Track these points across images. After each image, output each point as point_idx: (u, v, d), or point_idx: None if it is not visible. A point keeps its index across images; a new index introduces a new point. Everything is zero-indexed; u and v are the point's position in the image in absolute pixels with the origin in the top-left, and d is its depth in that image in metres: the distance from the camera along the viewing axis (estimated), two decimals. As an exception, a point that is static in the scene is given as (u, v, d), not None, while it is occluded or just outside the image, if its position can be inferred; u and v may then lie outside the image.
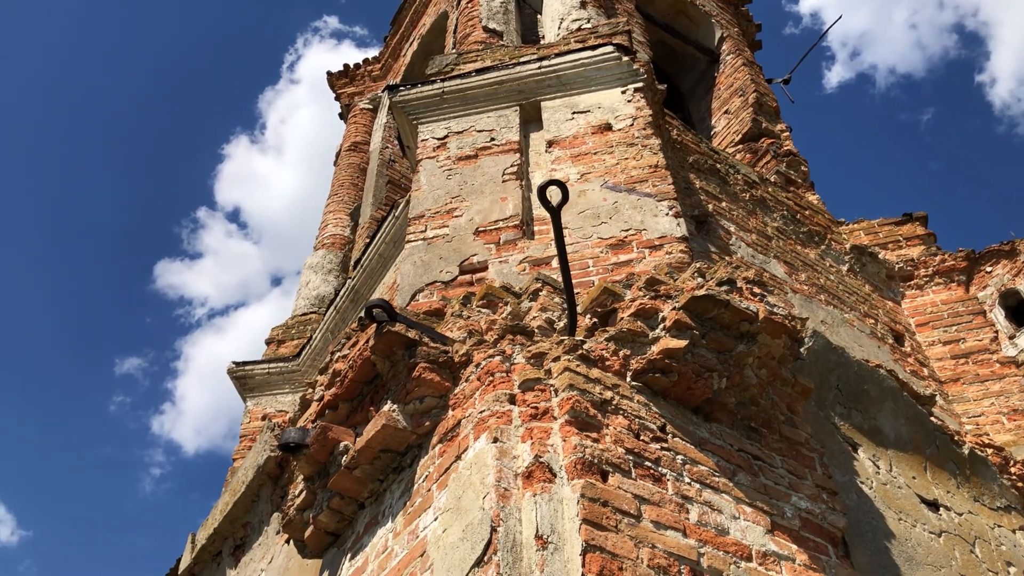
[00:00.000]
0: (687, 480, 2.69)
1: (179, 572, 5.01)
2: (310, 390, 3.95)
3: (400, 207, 6.55)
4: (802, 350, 3.61)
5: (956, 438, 4.04)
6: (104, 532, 29.92)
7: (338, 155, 10.61)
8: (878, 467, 3.59)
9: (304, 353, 7.39)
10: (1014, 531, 3.90)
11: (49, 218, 32.10)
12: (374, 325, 3.07)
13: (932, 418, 4.00)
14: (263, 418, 7.14)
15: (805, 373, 3.53)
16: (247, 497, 4.46)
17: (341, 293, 7.11)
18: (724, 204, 5.95)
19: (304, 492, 3.28)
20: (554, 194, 3.12)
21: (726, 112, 9.38)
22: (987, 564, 3.58)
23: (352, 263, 8.22)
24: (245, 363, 7.45)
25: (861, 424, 3.71)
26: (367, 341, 3.09)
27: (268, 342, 8.00)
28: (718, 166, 6.26)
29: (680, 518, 2.55)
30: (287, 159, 35.81)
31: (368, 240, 8.41)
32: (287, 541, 4.00)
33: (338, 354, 3.31)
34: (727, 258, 5.18)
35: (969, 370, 6.23)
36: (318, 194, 33.24)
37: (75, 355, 31.99)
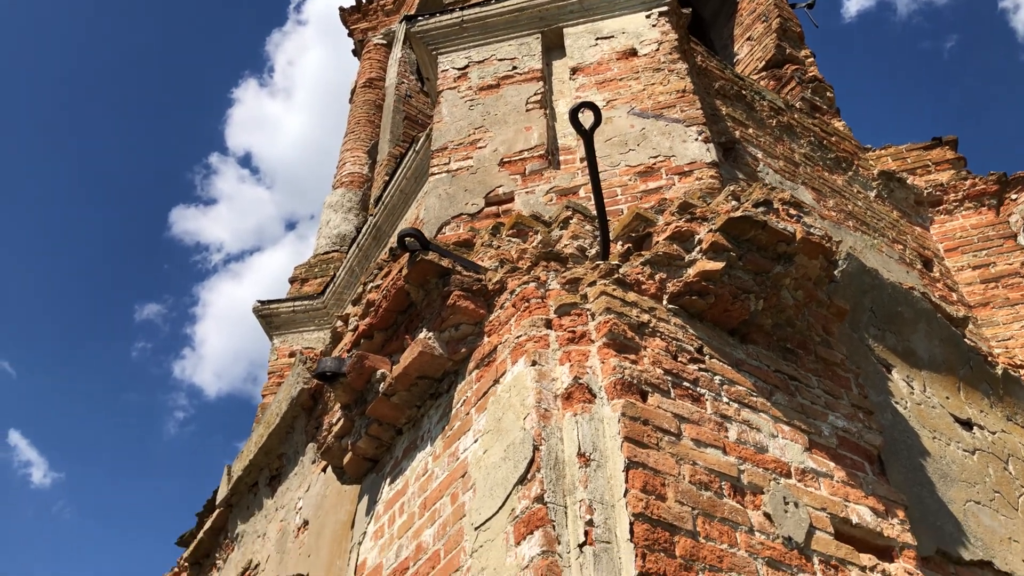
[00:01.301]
0: (725, 400, 2.70)
1: (216, 503, 5.13)
2: (340, 323, 3.97)
3: (420, 142, 6.49)
4: (836, 272, 3.58)
5: (989, 359, 4.02)
6: (132, 474, 30.66)
7: (353, 92, 10.49)
8: (912, 387, 3.59)
9: (328, 291, 7.42)
10: (1046, 449, 3.91)
11: (63, 167, 32.14)
12: (407, 254, 3.06)
13: (966, 339, 3.97)
14: (290, 355, 7.21)
15: (840, 295, 3.51)
16: (281, 429, 4.53)
17: (363, 231, 7.10)
18: (751, 131, 5.85)
19: (342, 420, 3.32)
20: (586, 117, 3.07)
21: (749, 39, 9.15)
22: (1020, 480, 3.59)
23: (372, 200, 8.19)
24: (270, 302, 7.49)
25: (895, 346, 3.70)
26: (400, 271, 3.09)
27: (292, 281, 8.03)
28: (744, 92, 6.14)
29: (720, 436, 2.56)
30: (296, 102, 35.48)
31: (387, 177, 8.36)
32: (323, 470, 4.08)
33: (371, 284, 3.31)
34: (755, 184, 5.11)
35: (999, 294, 6.18)
36: (329, 136, 33.02)
37: (96, 303, 32.36)
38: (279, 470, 4.66)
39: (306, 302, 7.41)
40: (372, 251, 6.95)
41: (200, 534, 5.23)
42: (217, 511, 5.03)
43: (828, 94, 7.94)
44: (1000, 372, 3.99)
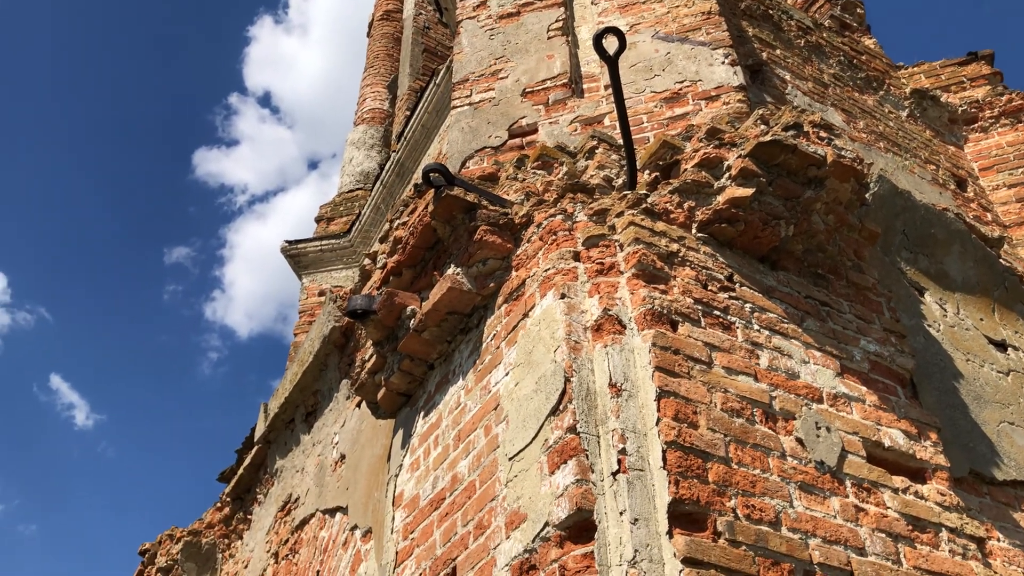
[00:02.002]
0: (756, 327, 2.69)
1: (254, 440, 5.26)
2: (368, 261, 3.99)
3: (441, 74, 6.40)
4: (868, 195, 3.51)
5: (1025, 279, 3.96)
6: (170, 414, 31.50)
7: (370, 26, 10.33)
8: (945, 310, 3.55)
9: (354, 229, 7.45)
10: (1082, 369, 3.87)
11: (84, 114, 32.20)
12: (432, 190, 3.05)
13: (1001, 260, 3.91)
14: (320, 294, 7.29)
15: (871, 218, 3.45)
16: (315, 367, 4.61)
17: (386, 167, 7.08)
18: (778, 52, 5.69)
19: (374, 356, 3.36)
20: (610, 43, 3.00)
21: (775, -46, 8.83)
22: (1054, 401, 3.57)
23: (395, 136, 8.13)
24: (298, 242, 7.54)
25: (928, 268, 3.65)
26: (426, 207, 3.08)
27: (317, 220, 8.06)
28: (771, 12, 5.95)
29: (751, 363, 2.56)
30: (313, 38, 35.01)
31: (409, 112, 8.28)
32: (358, 405, 4.15)
33: (397, 222, 3.31)
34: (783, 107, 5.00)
35: (1035, 213, 6.04)
36: (347, 72, 32.62)
37: (126, 247, 32.78)
38: (314, 406, 4.75)
39: (333, 241, 7.46)
40: (396, 188, 6.94)
41: (240, 470, 5.38)
42: (256, 448, 5.16)
43: (858, 10, 7.68)
44: (1036, 292, 3.93)
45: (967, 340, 3.50)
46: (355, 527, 3.63)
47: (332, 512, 4.00)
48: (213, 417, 31.54)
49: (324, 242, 7.49)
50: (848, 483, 2.46)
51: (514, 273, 2.93)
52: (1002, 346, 3.64)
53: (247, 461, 5.29)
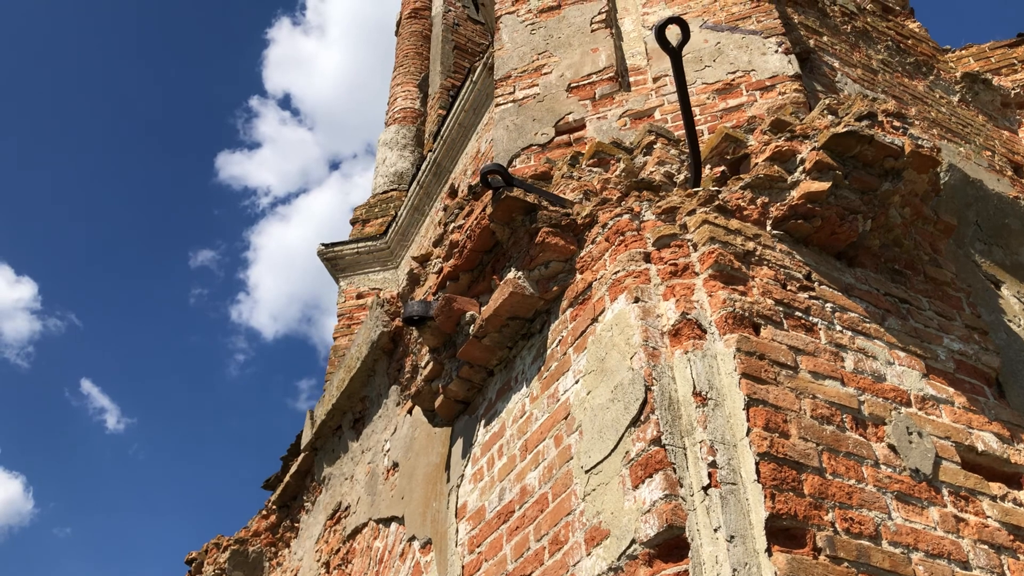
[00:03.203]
0: (838, 328, 2.56)
1: (301, 447, 5.20)
2: (417, 265, 3.90)
3: (478, 71, 6.30)
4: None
5: (1101, 269, 3.79)
6: (199, 415, 31.75)
7: (398, 24, 10.24)
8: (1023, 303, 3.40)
9: (391, 231, 7.38)
10: None
11: (109, 120, 32.47)
12: (489, 192, 2.95)
13: (1077, 249, 3.74)
14: (358, 296, 7.23)
15: (943, 209, 3.30)
16: (363, 372, 4.53)
17: (422, 168, 6.99)
18: (826, 38, 5.52)
19: (431, 363, 3.27)
20: (672, 33, 2.88)
21: (811, -61, 8.63)
22: None
23: (429, 136, 8.04)
24: (334, 245, 7.48)
25: (1003, 260, 3.49)
26: (484, 209, 2.98)
27: (353, 222, 8.00)
28: (816, -3, 5.78)
29: (836, 367, 2.44)
30: (330, 38, 35.04)
31: (443, 111, 8.19)
32: (409, 411, 4.06)
33: (452, 225, 3.21)
34: (835, 97, 4.85)
35: (1095, 198, 5.83)
36: (367, 72, 32.61)
37: (152, 251, 33.06)
38: (362, 413, 4.67)
39: (369, 243, 7.39)
40: (433, 188, 6.86)
41: (287, 478, 5.32)
42: (303, 455, 5.10)
43: (901, -7, 7.48)
44: (1114, 281, 3.76)
45: (1048, 335, 3.34)
46: (413, 538, 3.55)
47: (387, 522, 3.92)
48: (240, 417, 31.75)
49: (360, 244, 7.42)
50: (945, 491, 2.33)
51: (579, 276, 2.82)
52: (1083, 340, 3.48)
53: (293, 468, 5.23)
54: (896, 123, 2.94)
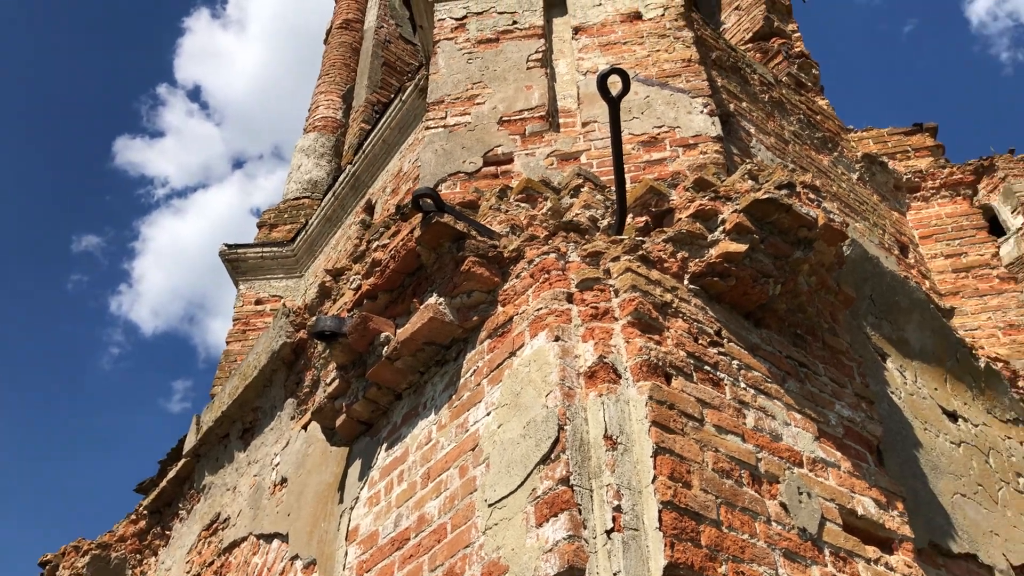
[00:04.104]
0: (743, 385, 2.66)
1: (183, 452, 4.99)
2: (330, 279, 3.84)
3: (408, 91, 6.29)
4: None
5: (974, 351, 4.08)
6: (66, 406, 30.00)
7: (328, 33, 10.13)
8: (905, 377, 3.62)
9: (299, 238, 7.23)
10: (1022, 443, 4.00)
11: (3, 85, 30.69)
12: (420, 215, 2.94)
13: (954, 332, 4.02)
14: (257, 302, 7.03)
15: (844, 282, 3.49)
16: (259, 382, 4.40)
17: (340, 179, 6.90)
18: (745, 105, 5.79)
19: (337, 381, 3.21)
20: (612, 83, 2.96)
21: (737, 8, 9.06)
22: (999, 474, 3.67)
23: (349, 148, 7.95)
24: (238, 246, 7.28)
25: (890, 335, 3.71)
26: (412, 231, 2.97)
27: (260, 225, 7.80)
28: (739, 65, 6.07)
29: (739, 423, 2.53)
30: (250, 35, 34.31)
31: (366, 125, 8.12)
32: (304, 427, 3.97)
33: (376, 243, 3.18)
34: (749, 161, 5.07)
35: (969, 284, 6.29)
36: (282, 73, 32.04)
37: (31, 230, 31.25)
38: (253, 423, 4.53)
39: (275, 248, 7.22)
40: (349, 201, 6.77)
41: (163, 483, 5.09)
42: (184, 460, 4.89)
43: (814, 71, 7.91)
44: (983, 365, 4.05)
45: (924, 409, 3.56)
46: (296, 557, 3.44)
47: (269, 538, 3.79)
48: (111, 413, 30.20)
49: (266, 249, 7.24)
50: (827, 552, 2.44)
51: (500, 308, 2.84)
52: (953, 417, 3.73)
53: (172, 474, 5.01)
54: (811, 195, 3.10)
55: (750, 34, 8.52)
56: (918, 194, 6.89)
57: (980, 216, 6.80)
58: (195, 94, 37.97)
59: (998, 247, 6.63)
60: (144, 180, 36.66)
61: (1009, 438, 3.95)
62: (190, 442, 4.88)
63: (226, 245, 7.26)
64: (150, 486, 5.34)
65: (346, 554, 2.97)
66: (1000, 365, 4.34)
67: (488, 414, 2.60)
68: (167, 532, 5.14)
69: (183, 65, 36.35)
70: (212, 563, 4.32)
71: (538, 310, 2.63)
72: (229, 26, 34.86)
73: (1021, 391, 4.31)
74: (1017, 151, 7.66)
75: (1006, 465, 3.75)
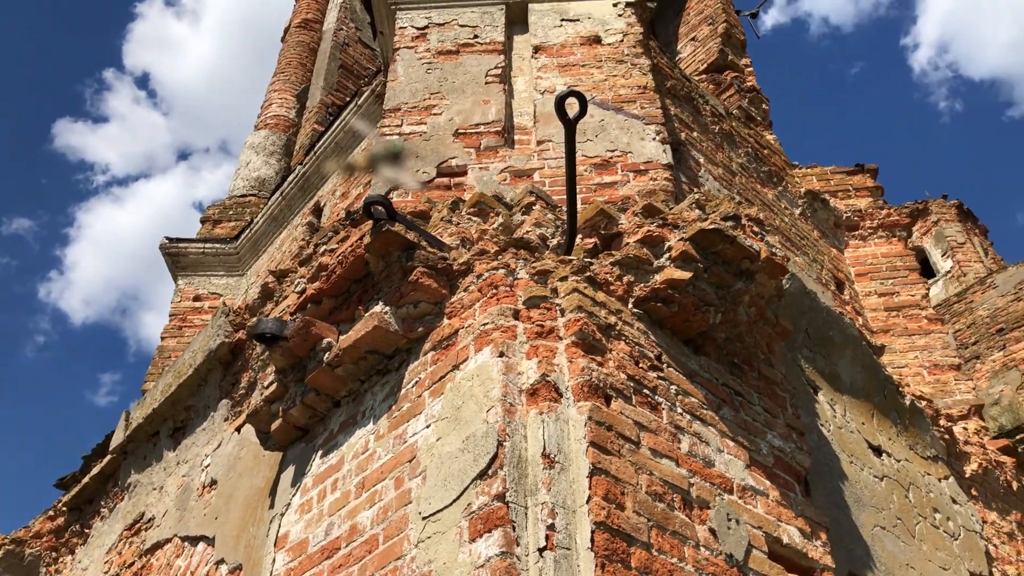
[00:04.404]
0: (679, 410, 2.71)
1: (110, 448, 4.85)
2: (274, 280, 3.79)
3: (365, 95, 6.26)
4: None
5: (900, 389, 4.22)
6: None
7: (286, 31, 10.02)
8: (835, 411, 3.72)
9: (243, 236, 7.12)
10: (940, 480, 4.14)
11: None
12: (370, 222, 2.93)
13: (883, 369, 4.15)
14: (195, 298, 6.89)
15: (782, 314, 3.58)
16: (193, 380, 4.31)
17: (289, 179, 6.83)
18: (695, 134, 5.91)
19: (275, 384, 3.17)
20: (570, 105, 3.00)
21: (693, 39, 9.25)
22: (917, 509, 3.79)
23: (301, 148, 7.87)
24: (179, 240, 7.13)
25: (823, 368, 3.82)
26: (361, 238, 2.95)
27: (203, 220, 7.66)
28: (692, 95, 6.19)
29: (673, 447, 2.57)
30: (203, 26, 33.75)
31: (319, 126, 8.05)
32: (237, 429, 3.90)
33: (324, 247, 3.16)
34: (696, 190, 5.17)
35: (899, 323, 6.50)
36: (235, 68, 31.58)
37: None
38: (185, 422, 4.44)
39: (218, 245, 7.10)
40: (297, 201, 6.70)
41: (86, 479, 4.94)
42: (110, 457, 4.76)
43: (764, 106, 8.12)
44: (908, 402, 4.19)
45: (851, 443, 3.67)
46: (222, 561, 3.38)
47: (195, 540, 3.71)
48: (32, 404, 29.16)
49: (208, 245, 7.11)
50: (752, 578, 2.49)
51: (446, 321, 2.84)
52: (878, 451, 3.85)
53: (96, 470, 4.86)
54: (756, 228, 3.18)
55: (704, 65, 8.71)
56: (856, 233, 7.11)
57: (913, 257, 7.04)
58: (143, 81, 37.16)
59: (928, 288, 6.88)
60: (84, 165, 35.69)
61: (928, 474, 4.09)
62: (117, 438, 4.76)
63: (167, 238, 7.11)
64: (71, 482, 5.17)
65: (274, 561, 2.92)
66: (924, 403, 4.49)
67: (428, 426, 2.60)
68: (86, 530, 4.99)
69: (132, 51, 35.60)
70: (132, 564, 4.21)
71: (484, 325, 2.64)
72: (183, 15, 34.28)
73: (941, 429, 4.46)
74: (950, 197, 7.98)
75: (924, 500, 3.88)
